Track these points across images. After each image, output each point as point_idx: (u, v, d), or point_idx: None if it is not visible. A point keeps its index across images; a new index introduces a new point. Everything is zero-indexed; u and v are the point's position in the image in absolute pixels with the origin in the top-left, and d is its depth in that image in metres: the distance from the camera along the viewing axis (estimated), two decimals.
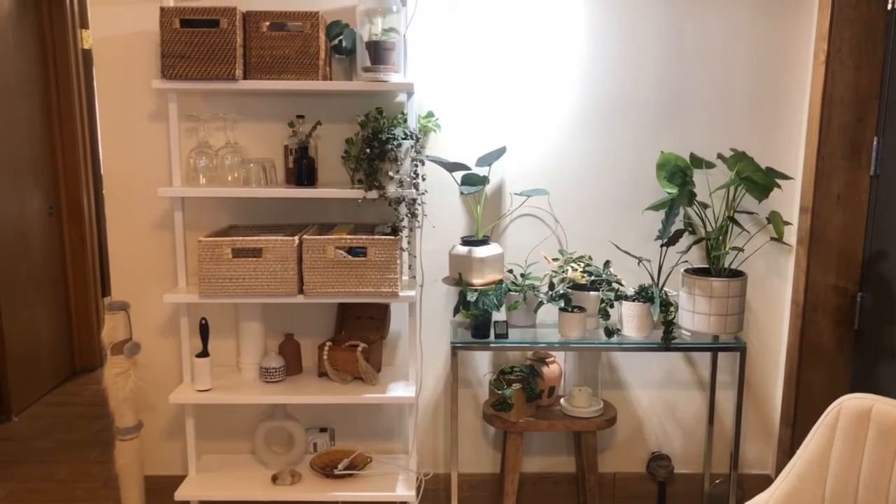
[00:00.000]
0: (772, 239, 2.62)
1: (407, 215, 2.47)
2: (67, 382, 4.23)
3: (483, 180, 2.52)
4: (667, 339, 2.43)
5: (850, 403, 1.73)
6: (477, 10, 2.59)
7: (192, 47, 2.32)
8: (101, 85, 2.62)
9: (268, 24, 2.35)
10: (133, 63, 2.59)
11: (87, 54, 4.17)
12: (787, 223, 2.58)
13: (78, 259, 4.28)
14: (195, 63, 2.33)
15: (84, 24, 4.17)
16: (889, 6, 2.44)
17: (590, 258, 2.64)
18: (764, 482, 2.79)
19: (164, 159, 2.64)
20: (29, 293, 3.88)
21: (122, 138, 2.64)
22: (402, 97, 2.60)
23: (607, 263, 2.63)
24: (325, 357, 2.58)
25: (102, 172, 2.67)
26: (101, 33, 2.58)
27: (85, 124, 4.22)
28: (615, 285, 2.54)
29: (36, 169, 3.97)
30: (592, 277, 2.55)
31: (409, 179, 2.43)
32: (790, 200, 2.69)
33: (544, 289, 2.59)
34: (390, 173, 2.39)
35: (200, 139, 2.56)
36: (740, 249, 2.55)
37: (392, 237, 2.40)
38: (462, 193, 2.57)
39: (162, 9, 2.33)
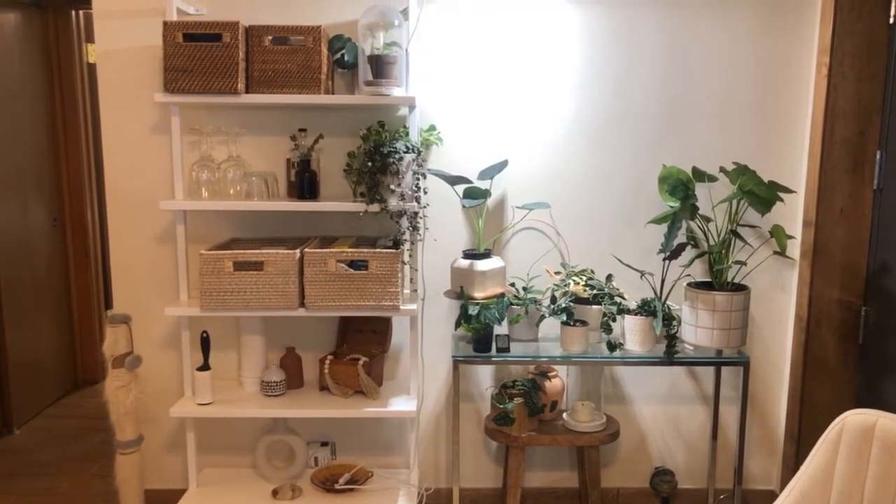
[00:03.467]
0: (775, 253, 2.61)
1: (409, 228, 2.47)
2: (69, 395, 4.22)
3: (485, 193, 2.52)
4: (670, 353, 2.42)
5: (854, 419, 1.71)
6: (478, 24, 2.59)
7: (194, 61, 2.33)
8: (104, 98, 2.63)
9: (270, 38, 2.36)
10: (136, 77, 2.60)
11: (92, 68, 4.20)
12: (791, 237, 2.56)
13: (81, 271, 4.29)
14: (198, 77, 2.34)
15: (89, 39, 4.20)
16: (891, 20, 2.44)
17: (592, 272, 2.63)
18: (768, 498, 2.77)
19: (166, 172, 2.65)
20: (32, 305, 3.89)
21: (125, 151, 2.65)
22: (403, 111, 2.61)
23: (609, 277, 2.62)
24: (326, 371, 2.58)
25: (106, 185, 2.67)
26: (106, 47, 2.60)
27: (89, 137, 4.24)
28: (617, 299, 2.53)
29: (40, 181, 3.98)
30: (595, 291, 2.54)
31: (410, 193, 2.42)
32: (793, 214, 2.68)
33: (546, 302, 2.58)
34: (392, 186, 2.39)
35: (203, 152, 2.57)
36: (743, 263, 2.54)
37: (393, 250, 2.40)
38: (464, 207, 2.57)
39: (165, 23, 2.34)
